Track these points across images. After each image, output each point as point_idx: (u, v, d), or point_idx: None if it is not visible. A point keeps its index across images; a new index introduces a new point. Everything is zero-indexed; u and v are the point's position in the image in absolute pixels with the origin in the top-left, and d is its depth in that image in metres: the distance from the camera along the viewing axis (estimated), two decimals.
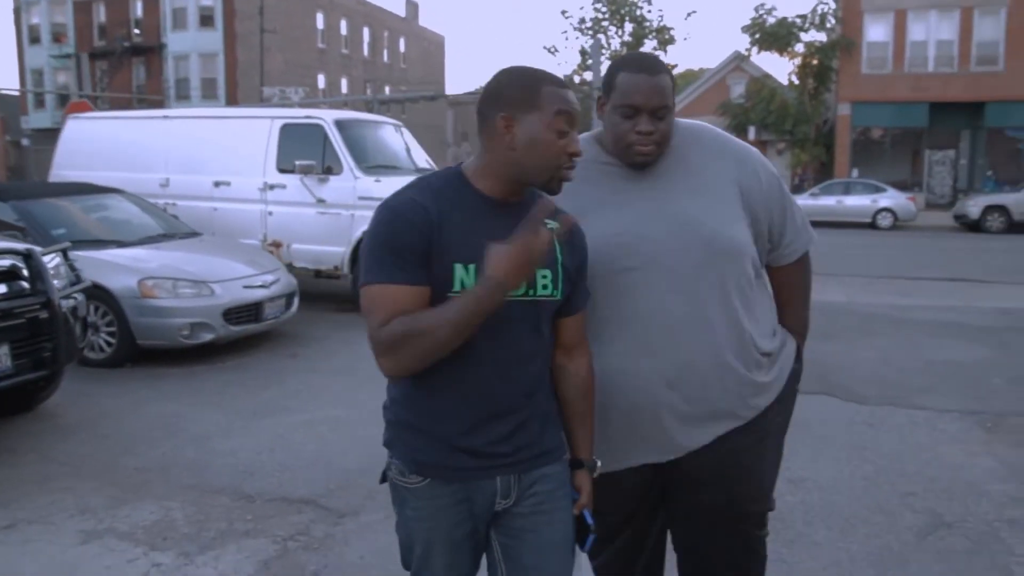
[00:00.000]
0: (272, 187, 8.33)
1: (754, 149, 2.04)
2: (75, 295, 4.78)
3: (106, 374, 5.91)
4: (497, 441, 1.68)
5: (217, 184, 8.52)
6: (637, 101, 1.85)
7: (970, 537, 3.32)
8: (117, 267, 6.09)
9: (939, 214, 25.07)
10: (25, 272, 4.38)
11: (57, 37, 39.09)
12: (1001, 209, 21.68)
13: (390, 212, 1.63)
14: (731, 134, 2.08)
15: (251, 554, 3.23)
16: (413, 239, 1.60)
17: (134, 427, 4.80)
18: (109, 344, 6.07)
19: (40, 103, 38.21)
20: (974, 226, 21.70)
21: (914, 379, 5.80)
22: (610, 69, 1.91)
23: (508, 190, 1.69)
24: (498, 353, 1.66)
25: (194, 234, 7.44)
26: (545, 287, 1.70)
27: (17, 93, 38.62)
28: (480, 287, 1.55)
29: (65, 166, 9.33)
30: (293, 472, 4.11)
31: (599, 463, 1.86)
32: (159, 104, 32.85)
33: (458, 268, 1.62)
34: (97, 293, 5.80)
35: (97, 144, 9.21)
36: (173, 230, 7.38)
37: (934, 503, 3.68)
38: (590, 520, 1.79)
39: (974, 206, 22.12)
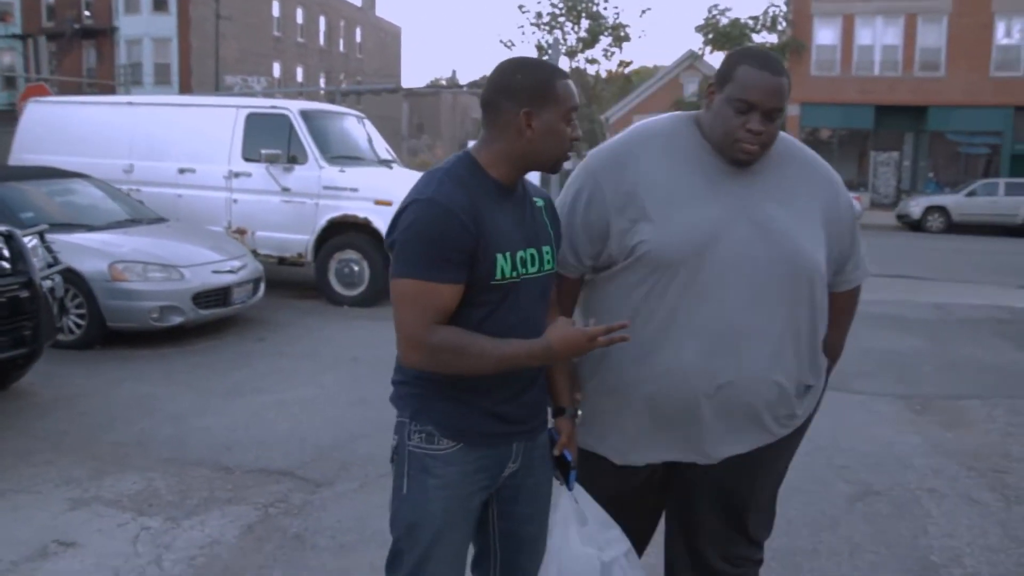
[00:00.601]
0: (237, 175, 8.43)
1: (837, 175, 2.03)
2: (52, 276, 4.90)
3: (77, 355, 6.00)
4: (522, 407, 1.83)
5: (182, 171, 8.58)
6: (754, 98, 1.80)
7: (894, 503, 3.68)
8: (87, 250, 6.18)
9: (883, 213, 25.90)
10: (6, 252, 4.50)
11: (3, 16, 38.07)
12: (941, 210, 22.59)
13: (441, 209, 1.66)
14: None
15: (235, 519, 3.44)
16: (465, 239, 1.66)
17: (110, 405, 4.94)
18: (79, 326, 6.16)
19: None
20: (916, 226, 22.58)
21: (852, 366, 6.16)
22: (729, 59, 1.86)
23: (514, 176, 1.79)
24: (529, 325, 1.77)
25: (160, 220, 7.53)
26: (549, 261, 1.85)
27: None
28: (537, 346, 1.67)
29: (25, 150, 9.28)
30: (269, 447, 4.30)
31: (579, 411, 1.99)
32: (110, 89, 32.27)
33: (499, 258, 1.71)
34: (67, 276, 5.89)
35: (59, 129, 9.17)
36: (140, 215, 7.46)
37: (865, 475, 4.03)
38: (569, 457, 1.93)
39: (916, 206, 23.00)
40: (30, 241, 4.79)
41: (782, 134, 1.94)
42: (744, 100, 1.79)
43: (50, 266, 4.97)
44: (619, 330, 1.67)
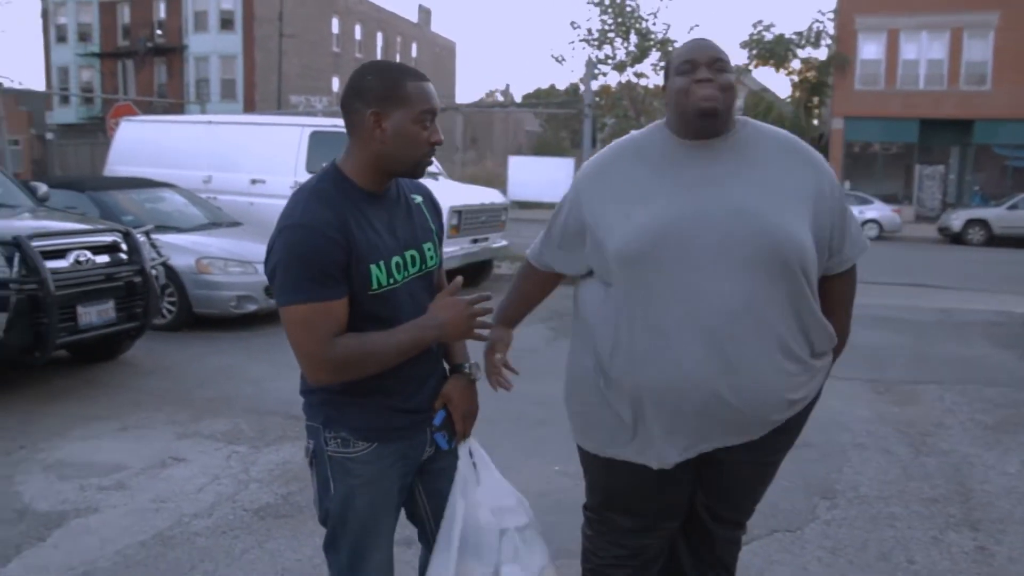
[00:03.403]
0: (304, 183, 9.58)
1: (819, 155, 2.02)
2: (157, 267, 6.04)
3: (169, 336, 7.18)
4: (426, 398, 1.93)
5: (254, 182, 9.77)
6: (692, 55, 1.87)
7: (822, 452, 4.53)
8: (178, 248, 7.34)
9: (927, 227, 26.10)
10: (124, 246, 5.66)
11: (83, 37, 40.47)
12: (982, 223, 22.75)
13: (310, 231, 1.66)
14: None
15: (302, 448, 4.47)
16: (337, 255, 1.67)
17: (200, 372, 6.06)
18: (170, 311, 7.33)
19: (65, 100, 39.60)
20: (956, 238, 22.73)
21: None
22: (670, 55, 1.98)
23: (381, 181, 1.80)
24: None
25: (236, 223, 8.70)
26: (432, 258, 1.92)
27: (43, 90, 40.00)
28: (427, 325, 1.78)
29: (119, 163, 10.61)
30: None
31: (475, 365, 2.04)
32: (179, 107, 34.17)
33: (373, 268, 1.75)
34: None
35: (147, 144, 10.48)
36: (219, 220, 8.65)
37: (807, 432, 4.86)
38: (438, 421, 1.96)
39: (956, 219, 23.20)
40: (140, 239, 5.94)
41: (765, 125, 2.01)
42: (685, 61, 1.86)
43: (154, 259, 6.11)
44: (483, 301, 1.84)
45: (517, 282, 2.26)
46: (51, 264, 5.04)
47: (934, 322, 9.07)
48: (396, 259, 1.79)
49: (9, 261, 4.88)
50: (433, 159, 1.83)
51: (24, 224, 5.42)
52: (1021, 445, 4.73)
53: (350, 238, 1.69)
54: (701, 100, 1.83)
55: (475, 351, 2.06)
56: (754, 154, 1.91)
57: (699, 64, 1.85)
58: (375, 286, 1.74)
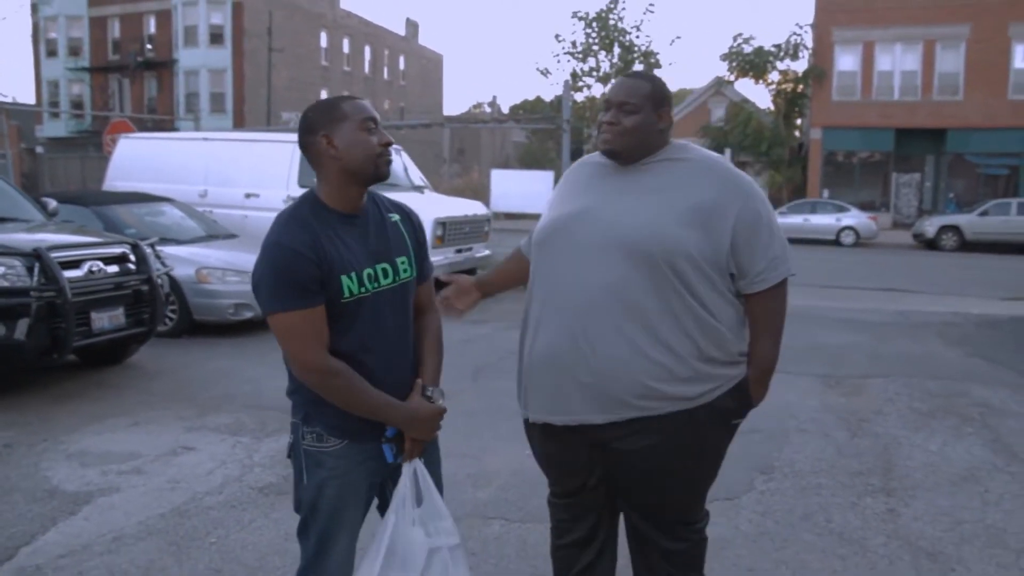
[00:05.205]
0: (294, 199, 10.07)
1: (752, 181, 2.15)
2: (161, 276, 6.51)
3: (171, 342, 7.64)
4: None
5: (248, 196, 10.25)
6: (609, 95, 2.14)
7: (767, 435, 5.03)
8: (178, 259, 7.79)
9: (904, 233, 26.77)
10: (132, 257, 6.14)
11: (73, 51, 40.84)
12: (955, 229, 23.42)
13: (286, 250, 1.90)
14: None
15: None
16: (311, 269, 1.89)
17: (202, 374, 6.53)
18: (171, 319, 7.80)
19: (55, 114, 39.94)
20: (931, 244, 23.41)
21: (794, 355, 7.50)
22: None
23: (354, 198, 2.02)
24: (395, 332, 2.06)
25: (232, 235, 9.18)
26: (406, 270, 2.09)
27: (34, 105, 40.32)
28: (401, 412, 2.01)
29: (117, 178, 11.09)
30: None
31: (438, 390, 2.16)
32: (169, 123, 34.54)
33: (344, 279, 1.94)
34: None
35: (145, 160, 10.97)
36: (215, 232, 9.13)
37: (756, 421, 5.35)
38: (390, 433, 2.08)
39: (930, 226, 23.87)
40: (147, 250, 6.42)
41: (702, 150, 2.19)
42: (605, 99, 2.15)
43: (159, 269, 6.58)
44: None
45: (505, 261, 2.60)
46: (68, 274, 5.51)
47: (891, 323, 9.61)
48: (367, 271, 1.98)
49: (30, 271, 5.35)
50: (392, 159, 2.05)
51: (42, 237, 5.90)
52: (948, 428, 5.26)
53: (322, 254, 1.90)
54: (601, 143, 2.13)
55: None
56: (662, 174, 2.12)
57: (612, 105, 2.12)
58: (347, 294, 1.94)
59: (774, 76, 31.37)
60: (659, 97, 2.13)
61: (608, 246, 2.05)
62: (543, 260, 2.19)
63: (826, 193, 29.31)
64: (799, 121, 34.49)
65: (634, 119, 2.10)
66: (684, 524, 2.25)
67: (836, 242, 24.36)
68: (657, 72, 41.05)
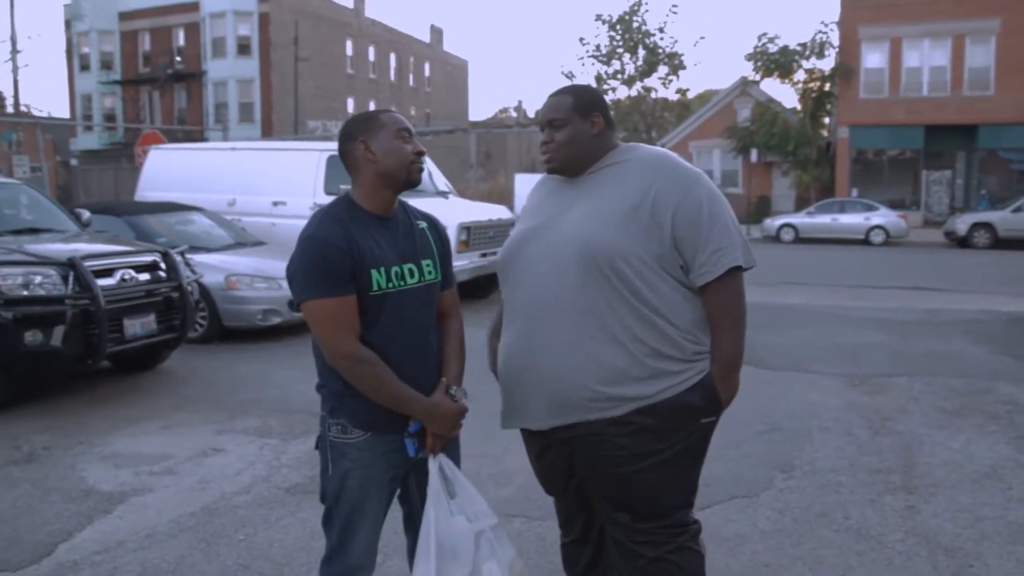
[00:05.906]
0: (320, 207, 10.23)
1: (698, 173, 2.17)
2: (191, 284, 6.67)
3: (201, 348, 7.80)
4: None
5: (275, 204, 10.41)
6: (541, 115, 2.23)
7: (790, 435, 5.05)
8: (208, 266, 7.96)
9: (935, 231, 26.31)
10: (163, 265, 6.29)
11: (105, 65, 41.60)
12: (987, 226, 22.91)
13: (321, 243, 2.02)
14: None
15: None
16: (344, 260, 2.01)
17: (231, 379, 6.67)
18: (201, 325, 7.96)
19: (88, 127, 40.71)
20: (963, 242, 22.91)
21: (817, 355, 7.51)
22: None
23: (386, 201, 2.15)
24: (419, 331, 2.16)
25: (260, 243, 9.34)
26: (431, 272, 2.21)
27: (68, 119, 41.15)
28: (423, 406, 2.09)
29: (148, 188, 11.31)
30: None
31: (461, 390, 2.24)
32: (198, 133, 35.05)
33: (374, 272, 2.06)
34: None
35: (175, 170, 11.19)
36: (244, 240, 9.30)
37: (780, 419, 5.41)
38: (413, 429, 2.16)
39: (962, 223, 23.37)
40: (177, 258, 6.57)
41: (648, 148, 2.23)
42: (540, 118, 2.24)
43: (189, 277, 6.74)
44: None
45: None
46: (101, 282, 5.67)
47: (918, 321, 9.52)
48: (395, 268, 2.11)
49: (65, 279, 5.52)
50: (424, 167, 2.18)
51: (76, 247, 6.07)
52: (972, 426, 5.23)
53: (354, 247, 2.03)
54: (545, 162, 2.25)
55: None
56: (605, 180, 2.17)
57: (544, 125, 2.22)
58: (375, 288, 2.06)
59: (800, 75, 31.19)
60: (584, 105, 2.19)
61: (558, 258, 2.12)
62: (505, 281, 2.29)
63: (855, 192, 29.00)
64: (826, 120, 34.17)
65: (564, 132, 2.18)
66: (661, 528, 2.18)
67: (866, 241, 24.09)
68: (682, 73, 41.06)
